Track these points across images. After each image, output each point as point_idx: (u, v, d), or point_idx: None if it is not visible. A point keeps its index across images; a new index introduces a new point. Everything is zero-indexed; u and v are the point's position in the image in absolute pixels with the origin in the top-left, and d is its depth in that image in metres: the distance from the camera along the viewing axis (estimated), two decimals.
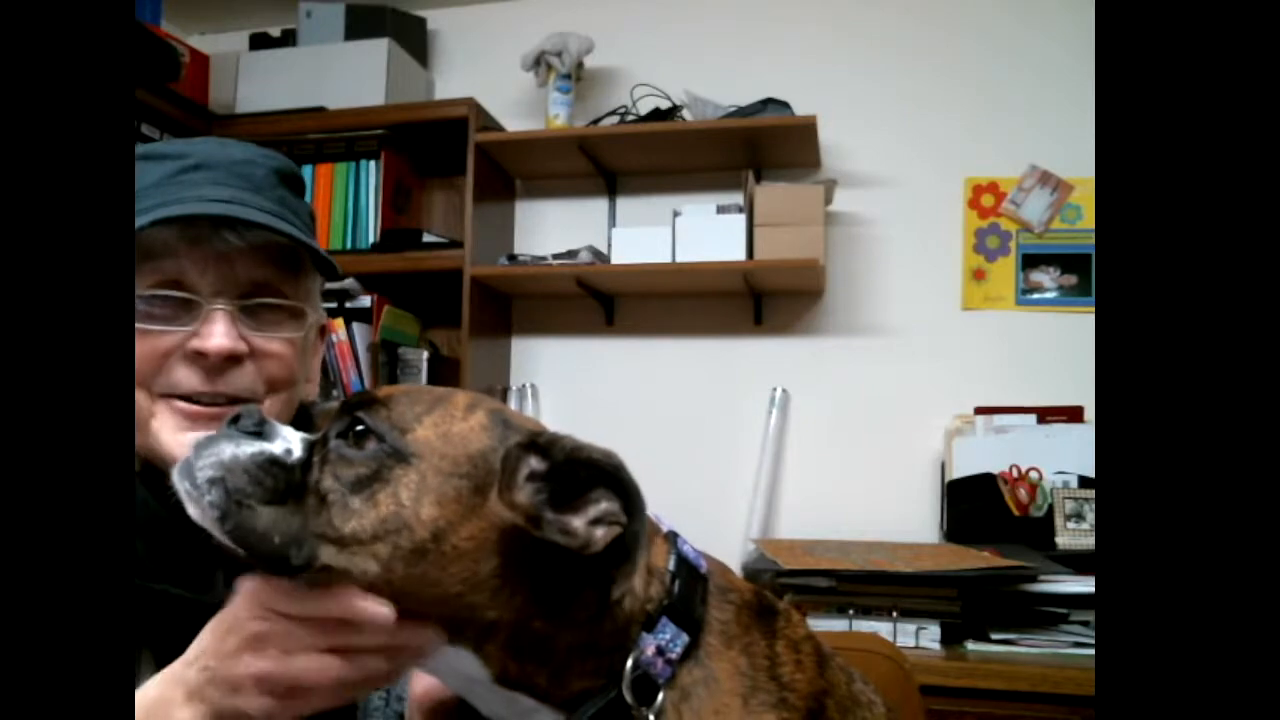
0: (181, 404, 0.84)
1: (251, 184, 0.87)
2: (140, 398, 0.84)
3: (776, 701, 0.67)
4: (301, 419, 0.95)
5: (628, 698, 0.64)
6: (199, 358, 0.84)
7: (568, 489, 0.63)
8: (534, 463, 0.64)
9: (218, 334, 0.83)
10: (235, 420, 0.66)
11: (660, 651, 0.65)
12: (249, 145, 0.92)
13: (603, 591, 0.65)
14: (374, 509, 0.62)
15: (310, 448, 0.66)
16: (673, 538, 0.72)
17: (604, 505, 0.63)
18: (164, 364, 0.84)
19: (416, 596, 0.62)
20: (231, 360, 0.84)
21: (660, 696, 0.65)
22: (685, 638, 0.66)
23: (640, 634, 0.66)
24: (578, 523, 0.62)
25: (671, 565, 0.69)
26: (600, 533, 0.62)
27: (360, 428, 0.64)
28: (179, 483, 0.64)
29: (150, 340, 0.83)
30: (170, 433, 0.84)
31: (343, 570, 0.62)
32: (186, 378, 0.84)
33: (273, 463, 0.64)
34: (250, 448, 0.64)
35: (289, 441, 0.66)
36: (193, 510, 0.63)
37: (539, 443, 0.65)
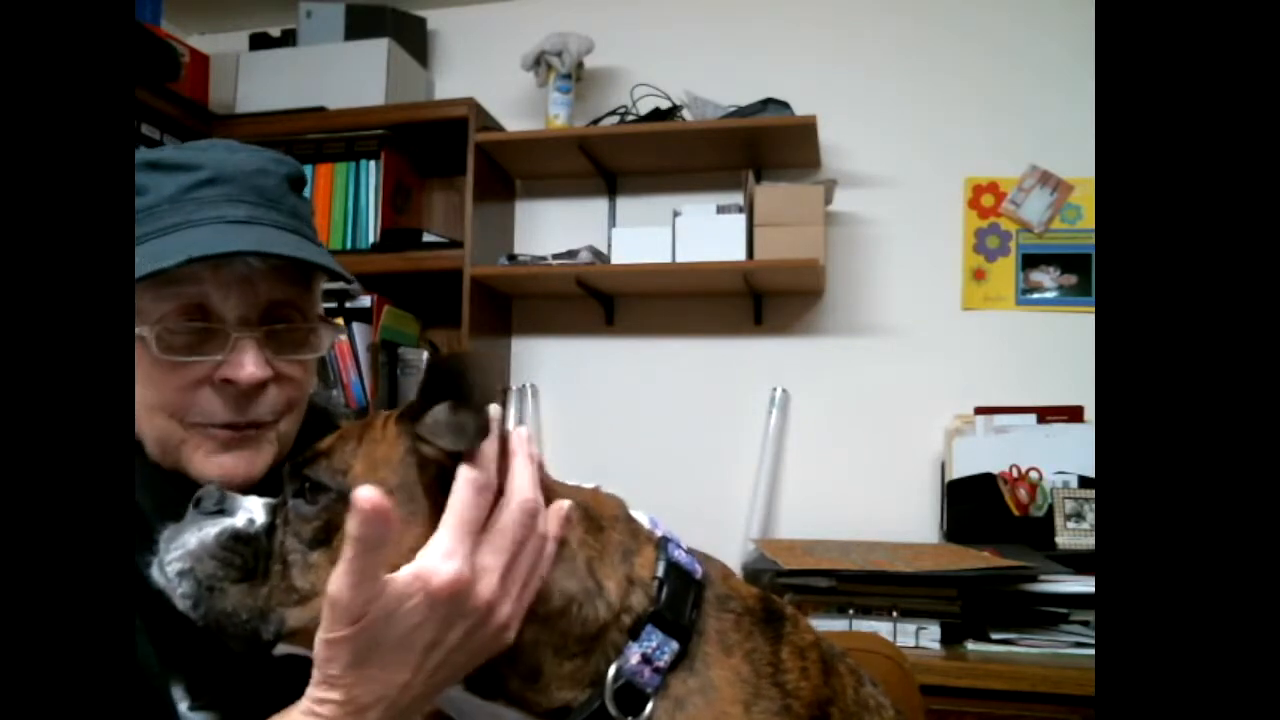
0: (214, 430, 0.84)
1: (266, 197, 0.87)
2: (171, 426, 0.84)
3: (780, 709, 0.66)
4: (321, 423, 0.95)
5: (610, 709, 0.64)
6: (227, 385, 0.84)
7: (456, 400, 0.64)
8: (441, 416, 0.64)
9: (248, 364, 0.83)
10: (197, 503, 0.68)
11: (647, 660, 0.65)
12: (257, 151, 0.91)
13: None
14: (330, 556, 0.63)
15: (274, 511, 0.68)
16: (663, 543, 0.71)
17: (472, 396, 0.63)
18: (194, 395, 0.84)
19: None
20: (259, 387, 0.85)
21: (649, 706, 0.64)
22: (674, 645, 0.65)
23: (626, 643, 0.65)
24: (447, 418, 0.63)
25: (660, 571, 0.68)
26: (443, 415, 0.63)
27: (309, 484, 0.66)
28: (156, 577, 0.66)
29: (180, 372, 0.83)
30: (204, 457, 0.84)
31: (303, 628, 0.63)
32: (216, 407, 0.84)
33: (236, 538, 0.66)
34: (214, 528, 0.66)
35: (251, 511, 0.68)
36: (176, 603, 0.65)
37: (417, 406, 0.66)
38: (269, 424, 0.87)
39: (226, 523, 0.66)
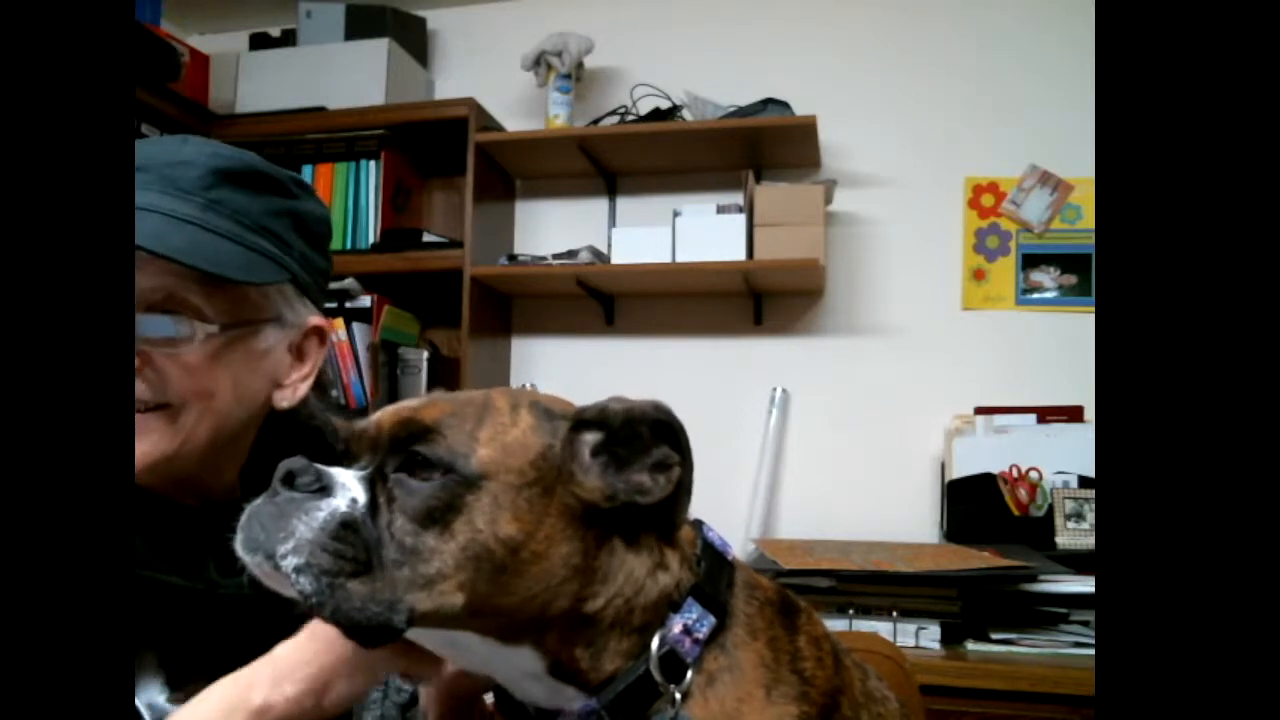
0: None
1: (176, 186, 0.83)
2: None
3: (798, 694, 0.68)
4: (291, 424, 0.93)
5: (655, 675, 0.65)
6: None
7: (624, 448, 0.66)
8: (589, 438, 0.67)
9: None
10: (290, 480, 0.64)
11: (687, 631, 0.67)
12: (204, 145, 0.87)
13: (663, 531, 0.69)
14: (451, 540, 0.62)
15: (371, 485, 0.64)
16: (698, 525, 0.74)
17: (657, 452, 0.66)
18: None
19: (497, 608, 0.64)
20: None
21: (688, 675, 0.66)
22: (711, 619, 0.68)
23: (668, 614, 0.67)
24: (644, 478, 0.66)
25: (698, 549, 0.71)
26: (664, 478, 0.66)
27: (421, 458, 0.63)
28: (247, 557, 0.62)
29: None
30: None
31: (433, 611, 0.62)
32: None
33: (345, 526, 0.62)
34: (321, 513, 0.62)
35: (350, 488, 0.64)
36: (280, 589, 0.62)
37: (588, 419, 0.67)
38: (139, 410, 0.81)
39: (333, 506, 0.62)
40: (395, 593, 0.61)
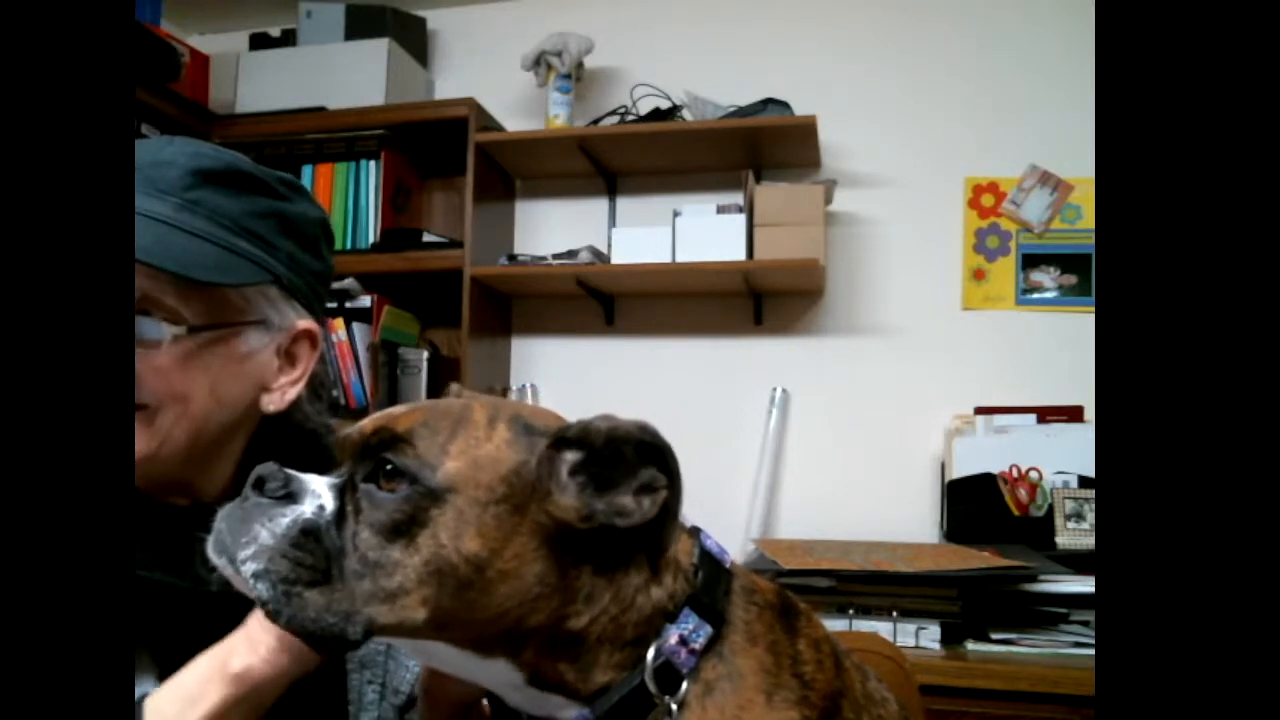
0: None
1: (155, 187, 0.82)
2: None
3: (799, 699, 0.67)
4: (287, 428, 0.92)
5: (650, 686, 0.65)
6: None
7: (608, 469, 0.64)
8: (569, 457, 0.65)
9: None
10: (260, 485, 0.64)
11: (683, 641, 0.66)
12: (188, 145, 0.86)
13: (651, 556, 0.67)
14: (415, 555, 0.61)
15: (341, 493, 0.64)
16: (696, 532, 0.73)
17: (643, 474, 0.64)
18: None
19: (465, 623, 0.63)
20: None
21: (684, 686, 0.65)
22: (708, 629, 0.67)
23: (664, 625, 0.66)
24: (627, 500, 0.63)
25: (695, 558, 0.70)
26: (648, 501, 0.64)
27: (389, 467, 0.63)
28: (216, 558, 0.63)
29: None
30: None
31: (394, 625, 0.62)
32: None
33: (306, 534, 0.62)
34: (284, 519, 0.62)
35: (319, 495, 0.64)
36: (245, 592, 0.62)
37: (569, 437, 0.65)
38: None
39: (297, 513, 0.62)
40: (354, 605, 0.61)
